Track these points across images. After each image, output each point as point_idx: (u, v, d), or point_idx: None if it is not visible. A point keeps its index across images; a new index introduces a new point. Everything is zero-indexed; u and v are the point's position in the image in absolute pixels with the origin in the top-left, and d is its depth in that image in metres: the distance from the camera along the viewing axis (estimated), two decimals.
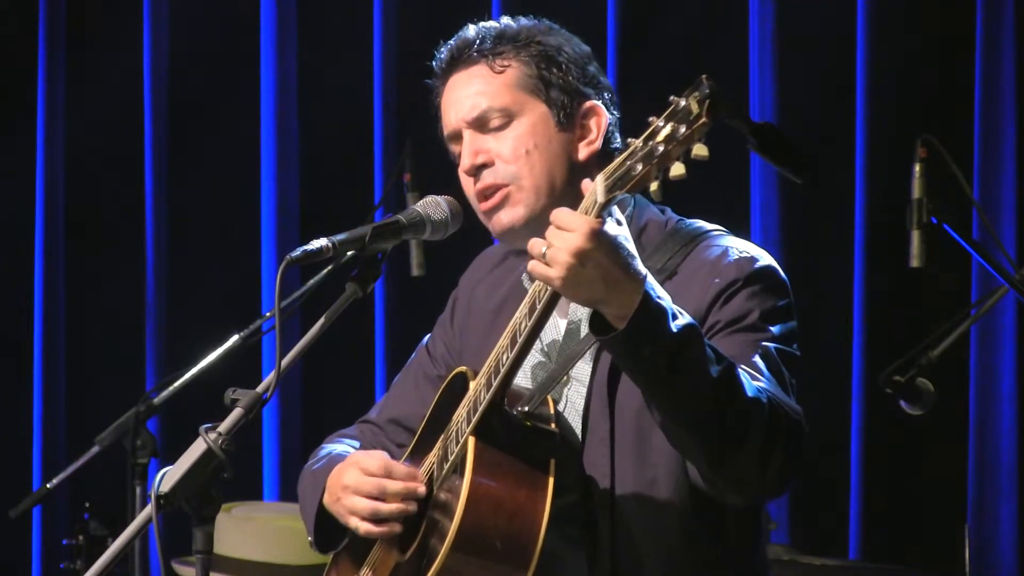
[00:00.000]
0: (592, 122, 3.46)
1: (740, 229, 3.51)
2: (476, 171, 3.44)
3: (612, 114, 3.49)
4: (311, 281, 4.59)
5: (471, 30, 3.51)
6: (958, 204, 5.05)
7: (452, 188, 3.51)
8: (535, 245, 3.04)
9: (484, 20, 3.54)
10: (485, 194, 3.44)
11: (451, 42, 3.52)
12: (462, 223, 3.44)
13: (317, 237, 3.25)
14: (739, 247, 3.37)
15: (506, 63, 3.45)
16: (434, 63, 3.55)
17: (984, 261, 4.81)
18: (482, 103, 3.44)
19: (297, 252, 3.23)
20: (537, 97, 3.44)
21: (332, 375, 6.76)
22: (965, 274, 5.69)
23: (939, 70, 5.82)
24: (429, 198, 3.43)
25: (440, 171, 3.74)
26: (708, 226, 3.45)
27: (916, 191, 4.82)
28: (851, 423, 5.82)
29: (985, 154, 5.70)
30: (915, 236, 4.82)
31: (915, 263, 4.82)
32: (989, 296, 5.04)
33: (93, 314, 7.15)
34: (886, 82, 5.82)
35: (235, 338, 4.74)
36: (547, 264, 3.01)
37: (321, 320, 3.26)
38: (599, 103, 3.46)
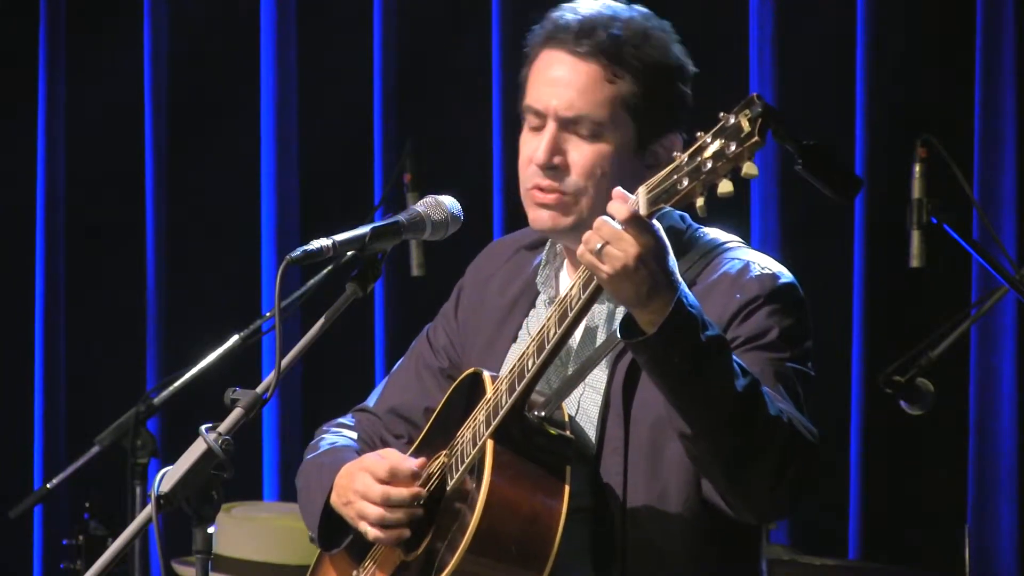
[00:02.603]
0: (664, 151, 3.35)
1: (740, 229, 3.51)
2: (544, 167, 3.37)
3: (681, 137, 3.40)
4: (311, 281, 4.57)
5: (602, 7, 3.37)
6: (958, 204, 5.06)
7: (452, 188, 3.50)
8: (593, 238, 3.02)
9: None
10: (542, 188, 3.37)
11: (577, 10, 3.37)
12: (462, 223, 3.44)
13: (317, 237, 3.25)
14: (760, 262, 3.34)
15: (622, 74, 3.34)
16: (546, 22, 3.39)
17: (984, 261, 4.82)
18: (582, 107, 3.33)
19: (297, 252, 3.21)
20: (633, 118, 3.34)
21: (332, 375, 6.76)
22: (965, 274, 5.68)
23: (939, 70, 5.82)
24: (429, 198, 3.41)
25: (440, 171, 3.73)
26: (725, 236, 3.43)
27: (916, 191, 4.83)
28: (851, 423, 5.82)
29: (985, 154, 5.70)
30: (915, 236, 4.82)
31: (915, 263, 4.82)
32: (989, 296, 5.04)
33: (93, 314, 7.14)
34: (886, 82, 5.82)
35: (235, 338, 4.73)
36: (602, 260, 2.99)
37: (321, 320, 3.26)
38: (680, 136, 3.38)
